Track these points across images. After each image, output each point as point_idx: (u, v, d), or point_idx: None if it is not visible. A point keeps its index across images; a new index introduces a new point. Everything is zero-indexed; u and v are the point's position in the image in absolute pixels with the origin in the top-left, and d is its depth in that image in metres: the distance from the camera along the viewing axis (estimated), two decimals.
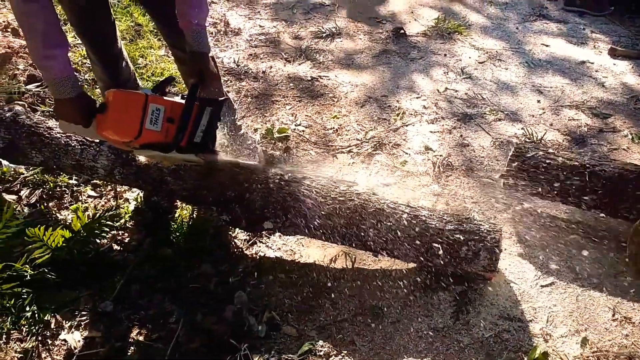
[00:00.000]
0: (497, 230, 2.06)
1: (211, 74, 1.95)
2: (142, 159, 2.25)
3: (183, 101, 1.88)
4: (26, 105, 2.82)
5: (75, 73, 3.13)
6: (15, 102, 2.80)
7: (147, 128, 1.79)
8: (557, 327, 2.01)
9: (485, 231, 2.05)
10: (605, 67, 3.74)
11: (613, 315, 2.06)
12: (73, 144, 2.29)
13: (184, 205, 2.44)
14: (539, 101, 3.36)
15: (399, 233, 2.05)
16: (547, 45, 4.01)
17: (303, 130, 3.04)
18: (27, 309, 1.95)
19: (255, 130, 2.98)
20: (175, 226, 2.36)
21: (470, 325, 2.02)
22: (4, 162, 2.49)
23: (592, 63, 3.78)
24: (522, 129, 3.06)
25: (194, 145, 1.89)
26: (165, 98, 1.85)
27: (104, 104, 1.82)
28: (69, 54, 1.78)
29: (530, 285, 2.17)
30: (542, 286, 2.17)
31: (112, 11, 2.25)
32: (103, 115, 1.81)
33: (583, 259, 2.27)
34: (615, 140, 3.00)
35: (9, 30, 3.41)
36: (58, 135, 2.32)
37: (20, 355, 1.86)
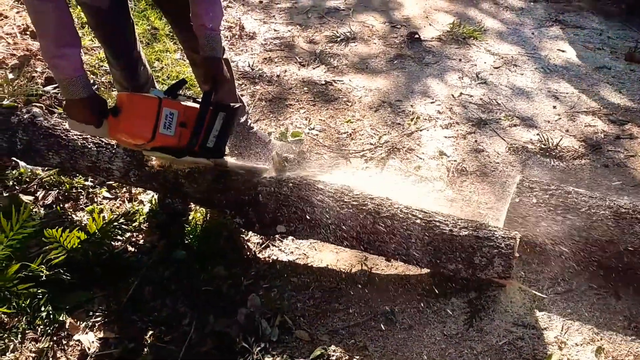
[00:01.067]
0: (512, 237, 2.04)
1: (225, 79, 1.95)
2: (154, 161, 2.26)
3: (196, 105, 1.89)
4: (44, 107, 2.85)
5: (92, 76, 3.17)
6: (33, 104, 2.83)
7: (161, 132, 1.79)
8: (572, 335, 1.99)
9: (500, 237, 2.03)
10: (622, 73, 3.71)
11: (629, 324, 2.03)
12: (89, 146, 2.31)
13: (197, 207, 2.46)
14: (554, 107, 3.33)
15: (412, 238, 2.04)
16: (563, 51, 3.99)
17: (317, 134, 3.05)
18: (42, 309, 1.97)
19: (269, 133, 2.99)
20: (189, 229, 2.37)
21: (484, 332, 2.00)
22: (22, 164, 2.51)
23: (609, 69, 3.75)
24: (538, 134, 3.04)
25: (206, 150, 1.90)
26: (178, 102, 1.86)
27: (116, 107, 1.83)
28: (82, 56, 1.79)
29: (545, 293, 2.15)
30: (557, 293, 2.15)
31: (131, 15, 2.27)
32: (116, 118, 1.82)
33: (599, 266, 2.25)
34: (632, 147, 2.97)
35: (28, 33, 3.46)
36: (75, 137, 2.34)
37: (35, 355, 1.87)
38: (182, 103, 1.87)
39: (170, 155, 1.92)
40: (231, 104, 1.95)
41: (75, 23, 1.77)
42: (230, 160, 2.24)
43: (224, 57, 2.44)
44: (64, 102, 1.86)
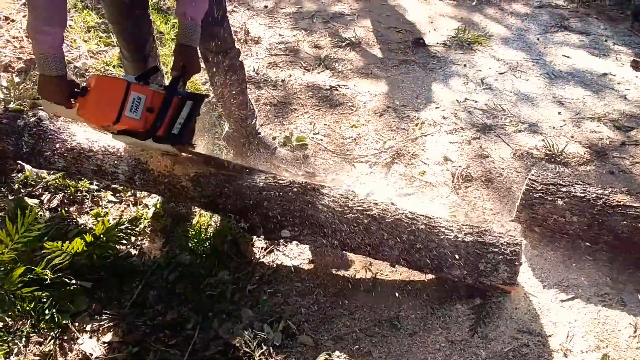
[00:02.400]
0: (517, 243, 2.04)
1: (195, 70, 1.99)
2: (157, 164, 2.26)
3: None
4: None
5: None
6: (39, 107, 2.84)
7: (127, 115, 1.82)
8: (577, 343, 1.98)
9: (505, 244, 2.03)
10: (628, 79, 3.70)
11: (635, 331, 2.02)
12: (95, 150, 2.32)
13: (202, 212, 2.46)
14: (559, 113, 3.33)
15: (417, 244, 2.04)
16: (568, 57, 3.98)
17: (321, 139, 3.05)
18: (47, 312, 1.97)
19: (274, 138, 2.99)
20: (194, 233, 2.36)
21: (489, 338, 1.99)
22: (27, 167, 2.52)
23: (614, 75, 3.74)
24: (543, 140, 3.03)
25: (171, 136, 1.93)
26: (147, 87, 1.88)
27: (85, 87, 1.85)
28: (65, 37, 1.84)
29: (550, 299, 2.14)
30: (562, 300, 2.14)
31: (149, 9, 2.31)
32: (84, 98, 1.84)
33: (604, 273, 2.24)
34: (637, 153, 2.96)
35: None
36: (80, 140, 2.35)
37: (39, 358, 1.87)
38: (152, 89, 1.89)
39: (135, 139, 1.94)
40: (199, 93, 1.97)
41: (67, 5, 1.82)
42: (197, 150, 2.26)
43: (240, 59, 2.47)
44: (38, 79, 1.89)
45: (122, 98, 1.81)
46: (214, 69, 2.43)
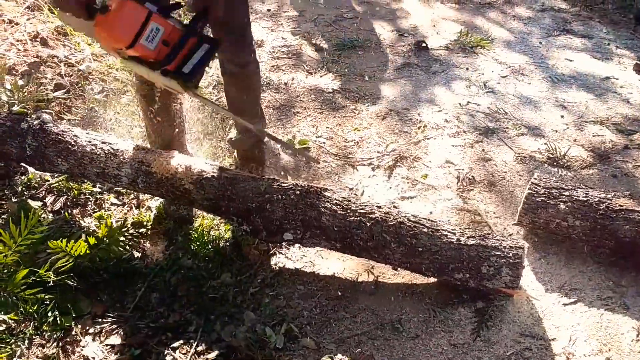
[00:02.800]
0: (520, 247, 2.04)
1: (217, 13, 1.97)
2: (160, 167, 2.26)
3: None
4: (53, 114, 2.87)
5: (101, 82, 3.19)
6: (43, 110, 2.85)
7: (141, 42, 1.81)
8: (579, 347, 1.98)
9: (508, 247, 2.03)
10: (630, 82, 3.69)
11: (637, 335, 2.02)
12: (98, 152, 2.33)
13: (204, 214, 2.46)
14: (562, 116, 3.32)
15: (419, 247, 2.04)
16: (571, 60, 3.98)
17: (324, 142, 3.05)
18: (50, 315, 1.98)
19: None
20: (196, 235, 2.37)
21: (491, 342, 1.99)
22: (30, 169, 2.53)
23: (617, 79, 3.74)
24: (545, 144, 3.03)
25: (180, 74, 1.92)
26: (167, 21, 1.88)
27: (107, 6, 1.84)
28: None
29: (552, 303, 2.14)
30: (564, 304, 2.14)
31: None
32: (104, 16, 1.83)
33: (606, 277, 2.24)
34: None
35: (38, 39, 3.49)
36: (84, 143, 2.35)
37: None
38: (171, 23, 1.89)
39: (143, 68, 1.94)
40: (215, 38, 1.97)
41: None
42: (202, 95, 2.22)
43: (257, 71, 2.45)
44: None
45: (141, 25, 1.80)
46: (229, 78, 2.41)
